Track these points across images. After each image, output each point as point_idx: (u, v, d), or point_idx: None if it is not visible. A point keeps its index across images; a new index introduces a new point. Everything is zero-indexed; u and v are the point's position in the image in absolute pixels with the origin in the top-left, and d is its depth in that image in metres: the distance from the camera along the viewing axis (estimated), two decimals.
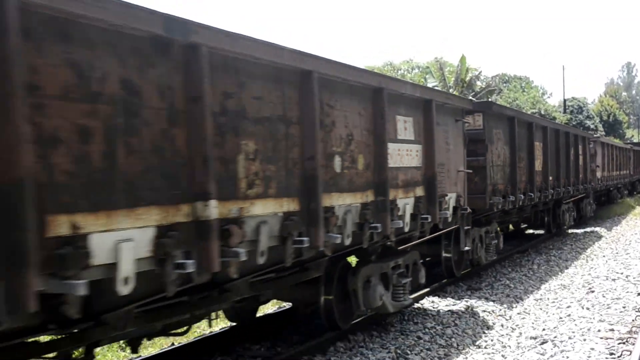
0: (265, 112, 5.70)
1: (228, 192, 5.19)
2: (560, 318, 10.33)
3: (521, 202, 14.60)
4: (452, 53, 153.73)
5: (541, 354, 8.35)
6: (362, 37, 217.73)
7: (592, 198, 26.45)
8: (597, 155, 25.96)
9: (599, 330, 9.36)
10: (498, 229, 14.59)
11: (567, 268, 15.51)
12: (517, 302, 11.72)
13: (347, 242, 6.93)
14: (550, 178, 17.08)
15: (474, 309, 10.88)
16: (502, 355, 8.53)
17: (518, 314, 10.91)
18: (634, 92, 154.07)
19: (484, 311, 10.84)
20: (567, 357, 8.11)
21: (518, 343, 9.09)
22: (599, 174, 26.33)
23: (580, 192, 22.33)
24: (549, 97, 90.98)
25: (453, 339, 9.23)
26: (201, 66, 4.78)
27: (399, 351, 8.45)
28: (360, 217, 7.23)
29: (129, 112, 4.32)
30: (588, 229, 23.70)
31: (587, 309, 10.81)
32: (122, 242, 4.21)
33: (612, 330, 9.36)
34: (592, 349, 8.42)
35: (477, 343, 9.24)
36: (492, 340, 9.33)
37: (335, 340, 8.64)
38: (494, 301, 11.56)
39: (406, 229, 8.41)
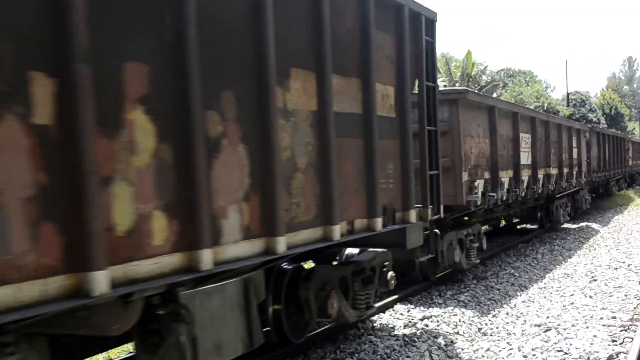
0: (554, 139, 17.54)
1: (547, 165, 16.90)
2: (564, 306, 10.33)
3: (603, 177, 27.73)
4: (458, 48, 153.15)
5: (545, 341, 8.35)
6: None
7: (626, 178, 38.99)
8: (630, 149, 38.72)
9: (601, 318, 9.35)
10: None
11: (570, 257, 15.48)
12: (522, 291, 11.71)
13: (563, 188, 19.08)
14: (611, 164, 29.86)
15: (479, 298, 10.89)
16: (507, 342, 8.54)
17: (523, 302, 10.90)
18: (635, 85, 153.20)
19: (489, 299, 10.85)
20: (571, 344, 8.11)
21: (523, 330, 9.09)
22: (630, 162, 39.06)
23: (621, 174, 34.65)
24: (552, 90, 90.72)
25: (459, 327, 9.23)
26: (537, 124, 16.27)
27: (406, 338, 8.47)
28: (567, 178, 19.01)
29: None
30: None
31: (590, 297, 10.80)
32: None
33: (614, 317, 9.35)
34: (595, 336, 8.42)
35: (482, 330, 9.24)
36: (497, 328, 9.33)
37: (345, 329, 8.68)
38: (498, 289, 11.56)
39: (574, 184, 20.14)
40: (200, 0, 4.44)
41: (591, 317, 9.40)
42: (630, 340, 8.07)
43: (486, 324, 9.53)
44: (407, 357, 7.87)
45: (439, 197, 8.43)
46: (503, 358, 7.93)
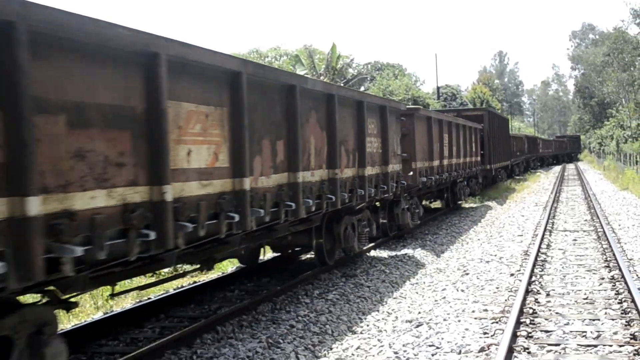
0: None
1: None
2: (436, 301, 10.62)
3: (524, 158, 56.60)
4: (323, 40, 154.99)
5: (416, 337, 8.54)
6: (226, 21, 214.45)
7: (538, 160, 65.78)
8: (539, 144, 69.55)
9: (473, 311, 9.69)
10: None
11: (442, 252, 15.95)
12: (393, 287, 11.94)
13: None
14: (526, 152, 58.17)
15: (348, 296, 11.01)
16: (378, 339, 8.67)
17: (394, 298, 11.12)
18: (506, 79, 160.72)
19: (359, 296, 10.99)
20: (442, 338, 8.34)
21: (394, 327, 9.27)
22: (540, 150, 71.59)
23: (534, 156, 65.35)
24: (422, 84, 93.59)
25: (327, 326, 9.29)
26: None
27: (270, 340, 8.43)
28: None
29: None
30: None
31: (462, 290, 11.17)
32: None
33: (486, 310, 9.71)
34: (467, 329, 8.70)
35: (352, 329, 9.35)
36: (367, 326, 9.46)
37: (202, 332, 8.55)
38: (368, 287, 11.73)
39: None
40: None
41: (463, 311, 9.71)
42: (502, 332, 8.38)
43: (356, 322, 9.65)
44: (272, 359, 7.85)
45: None
46: (374, 355, 8.05)
